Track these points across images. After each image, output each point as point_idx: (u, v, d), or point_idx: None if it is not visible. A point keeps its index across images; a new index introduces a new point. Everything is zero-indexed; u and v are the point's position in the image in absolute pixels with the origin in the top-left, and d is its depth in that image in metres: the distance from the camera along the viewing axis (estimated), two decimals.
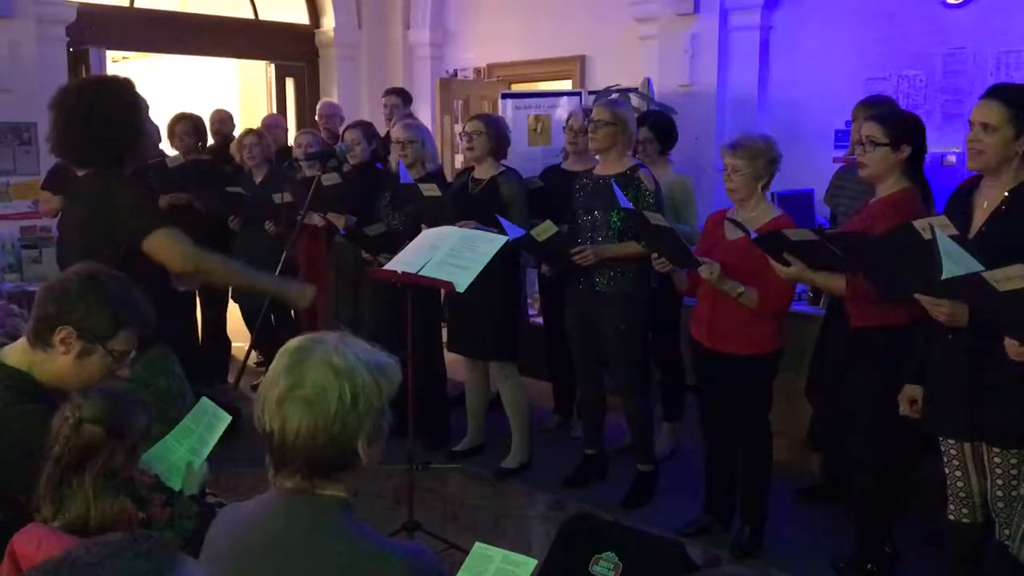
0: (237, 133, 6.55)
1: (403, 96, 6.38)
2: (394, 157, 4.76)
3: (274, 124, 6.89)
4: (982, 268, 2.31)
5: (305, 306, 3.19)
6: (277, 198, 5.12)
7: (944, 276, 2.39)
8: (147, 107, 2.92)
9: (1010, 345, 2.44)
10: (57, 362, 2.03)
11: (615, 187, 3.82)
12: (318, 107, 6.84)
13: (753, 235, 3.22)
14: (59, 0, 6.76)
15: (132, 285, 2.14)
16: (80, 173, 2.89)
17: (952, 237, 2.50)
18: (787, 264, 3.17)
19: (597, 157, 4.28)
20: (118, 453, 1.84)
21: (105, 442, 1.82)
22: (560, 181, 4.70)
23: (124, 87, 2.86)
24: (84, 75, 6.83)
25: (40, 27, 6.52)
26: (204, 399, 2.37)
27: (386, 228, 4.63)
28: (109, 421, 1.84)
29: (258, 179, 5.68)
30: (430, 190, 4.26)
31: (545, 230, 3.98)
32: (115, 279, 2.11)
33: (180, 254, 2.78)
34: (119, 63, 9.73)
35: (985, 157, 2.68)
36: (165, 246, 2.75)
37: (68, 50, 6.85)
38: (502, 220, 3.99)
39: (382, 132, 6.21)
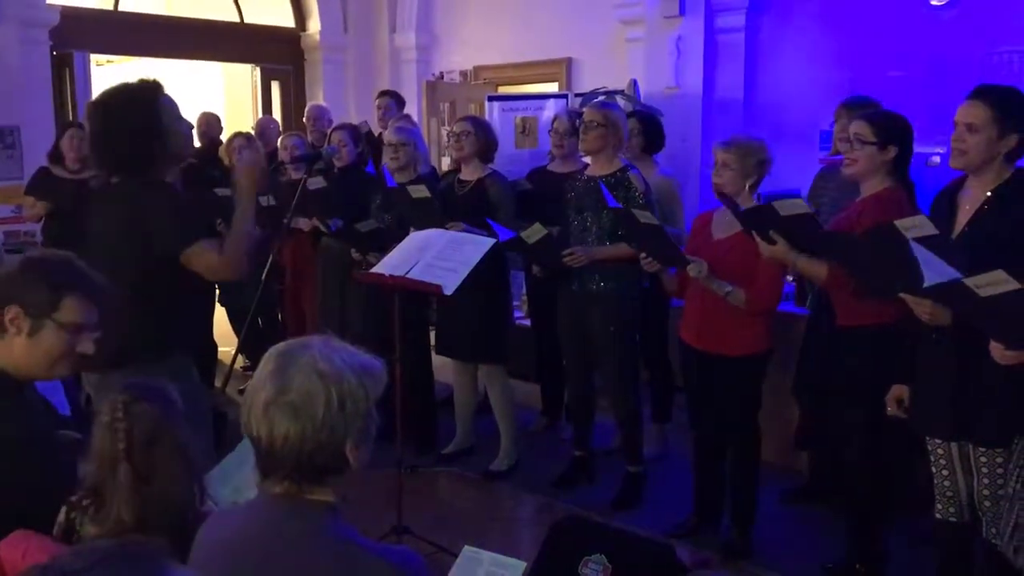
0: (223, 136, 6.53)
1: (396, 98, 6.37)
2: (387, 160, 4.75)
3: (268, 126, 6.87)
4: (959, 276, 2.32)
5: (254, 172, 3.05)
6: (263, 201, 5.10)
7: (926, 284, 2.40)
8: (175, 106, 2.90)
9: (995, 348, 2.46)
10: (15, 346, 2.02)
11: (603, 187, 3.83)
12: (306, 110, 6.82)
13: (742, 208, 3.23)
14: (42, 3, 6.72)
15: (76, 258, 2.12)
16: (112, 179, 2.87)
17: (932, 237, 2.51)
18: (772, 243, 3.17)
19: (586, 159, 4.29)
20: (179, 425, 1.80)
21: (163, 414, 1.79)
22: (546, 183, 4.71)
23: (144, 90, 2.85)
24: (68, 79, 6.80)
25: (23, 31, 6.49)
26: (246, 440, 2.34)
27: (378, 225, 4.62)
28: (152, 395, 1.81)
29: None
30: (419, 192, 4.25)
31: (534, 232, 3.98)
32: (57, 254, 2.11)
33: (219, 265, 2.79)
34: (103, 67, 9.69)
35: (968, 157, 2.70)
36: (204, 258, 2.76)
37: (52, 54, 6.81)
38: (492, 223, 3.99)
39: (376, 134, 6.21)
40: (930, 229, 2.56)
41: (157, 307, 2.74)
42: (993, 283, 2.23)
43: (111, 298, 2.13)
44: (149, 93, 2.84)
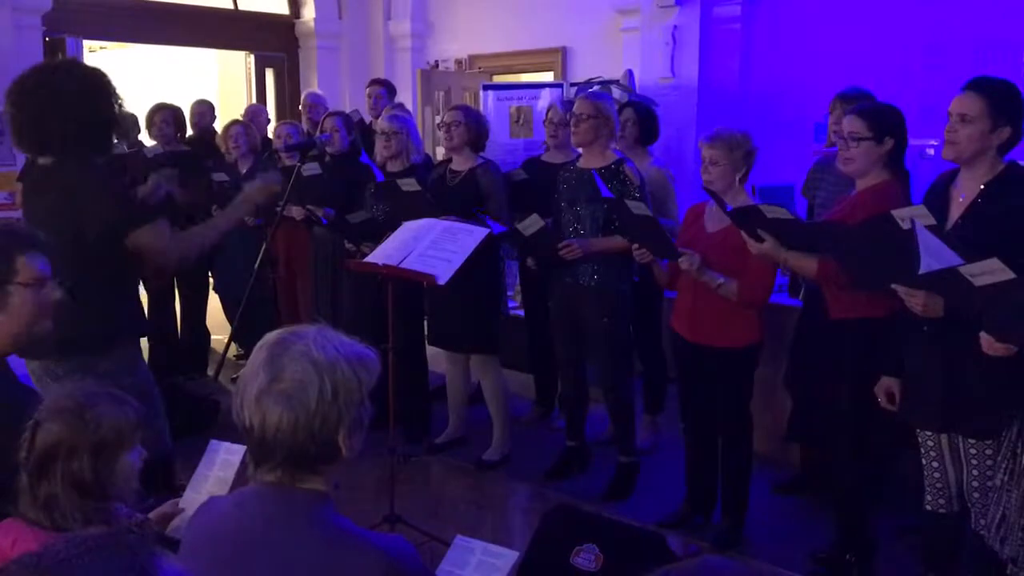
0: (217, 124, 6.50)
1: (387, 87, 6.35)
2: (379, 148, 4.74)
3: (257, 113, 6.84)
4: (961, 262, 2.32)
5: (268, 193, 3.08)
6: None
7: (922, 271, 2.40)
8: (115, 90, 2.82)
9: (985, 339, 2.46)
10: None
11: (596, 177, 3.83)
12: (302, 97, 6.79)
13: (729, 207, 3.23)
14: None
15: (13, 221, 2.13)
16: (42, 162, 2.79)
17: (931, 228, 2.52)
18: (761, 241, 3.18)
19: (579, 150, 4.28)
20: (80, 453, 1.79)
21: (62, 441, 1.78)
22: (540, 173, 4.70)
23: (84, 69, 2.79)
24: (49, 61, 6.75)
25: (15, 16, 6.44)
26: (212, 441, 2.29)
27: (369, 216, 4.61)
28: (67, 417, 1.80)
29: (243, 170, 5.65)
30: (409, 185, 4.23)
31: (531, 224, 3.97)
32: None
33: (162, 251, 2.76)
34: (96, 52, 9.63)
35: (960, 148, 2.70)
36: (150, 241, 2.72)
37: (44, 40, 6.77)
38: (487, 219, 3.98)
39: (367, 123, 6.18)
40: (928, 219, 2.56)
41: (97, 298, 2.70)
42: (988, 271, 2.24)
43: (44, 244, 2.12)
44: (89, 73, 2.77)
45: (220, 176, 5.37)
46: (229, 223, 2.97)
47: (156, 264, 2.80)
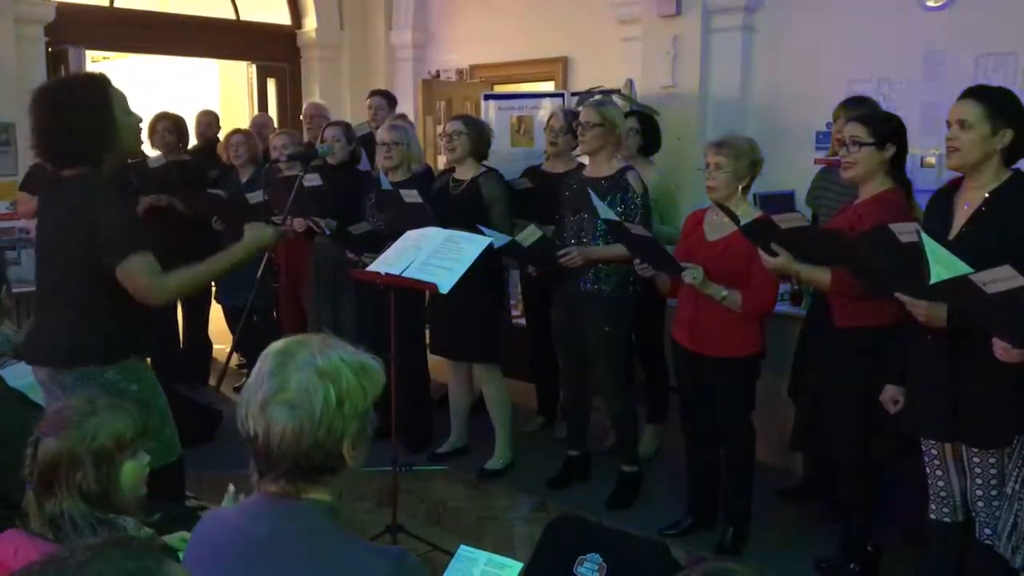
0: (220, 134, 6.51)
1: (388, 98, 6.35)
2: (380, 158, 4.74)
3: (263, 124, 6.85)
4: (970, 270, 2.31)
5: (273, 241, 3.04)
6: (252, 198, 5.08)
7: (932, 280, 2.39)
8: (124, 99, 2.81)
9: (998, 346, 2.45)
10: None
11: (592, 196, 3.81)
12: (304, 107, 6.80)
13: (743, 222, 3.23)
14: None
15: None
16: (63, 173, 2.80)
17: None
18: (774, 255, 3.17)
19: (582, 160, 4.28)
20: (82, 463, 1.80)
21: (63, 453, 1.79)
22: (539, 183, 4.70)
23: (97, 83, 2.78)
24: (63, 75, 6.77)
25: (18, 26, 6.45)
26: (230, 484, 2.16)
27: (371, 227, 4.61)
28: (65, 429, 1.81)
29: (244, 179, 5.66)
30: (411, 196, 4.23)
31: (530, 235, 3.97)
32: None
33: (146, 288, 2.69)
34: (99, 63, 9.64)
35: (961, 155, 2.70)
36: (133, 276, 2.66)
37: (47, 50, 6.78)
38: (485, 230, 3.98)
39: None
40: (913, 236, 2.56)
41: (105, 310, 2.69)
42: (1000, 279, 2.23)
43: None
44: (100, 85, 2.77)
45: (214, 191, 5.38)
46: (230, 264, 2.93)
47: (139, 297, 2.74)
